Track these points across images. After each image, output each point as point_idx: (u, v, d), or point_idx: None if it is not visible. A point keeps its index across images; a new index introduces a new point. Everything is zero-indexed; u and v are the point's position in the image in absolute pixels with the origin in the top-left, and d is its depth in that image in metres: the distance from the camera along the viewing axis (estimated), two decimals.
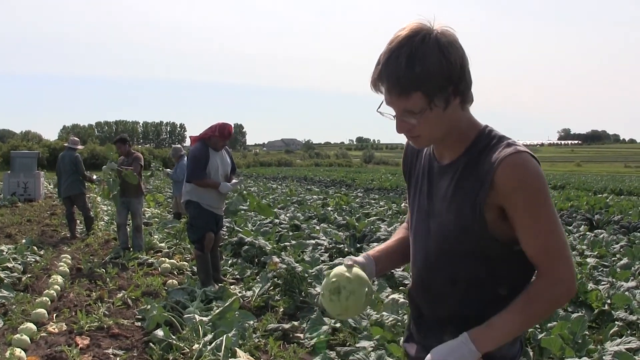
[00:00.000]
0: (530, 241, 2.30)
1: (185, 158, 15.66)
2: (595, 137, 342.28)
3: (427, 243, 2.56)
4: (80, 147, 15.60)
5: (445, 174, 2.49)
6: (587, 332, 6.37)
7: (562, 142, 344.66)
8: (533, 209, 2.27)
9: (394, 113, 2.35)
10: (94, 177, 15.41)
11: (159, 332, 6.68)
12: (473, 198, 2.34)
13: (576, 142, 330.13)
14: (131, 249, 12.54)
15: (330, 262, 10.00)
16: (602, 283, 9.16)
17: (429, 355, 2.33)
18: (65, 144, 15.75)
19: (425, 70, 2.18)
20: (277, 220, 16.09)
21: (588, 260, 10.97)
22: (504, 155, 2.27)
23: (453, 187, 2.43)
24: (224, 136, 9.18)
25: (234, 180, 9.70)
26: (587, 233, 15.82)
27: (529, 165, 2.26)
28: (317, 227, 14.94)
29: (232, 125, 9.38)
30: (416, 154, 2.74)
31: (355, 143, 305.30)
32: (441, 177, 2.52)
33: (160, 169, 16.70)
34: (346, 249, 12.38)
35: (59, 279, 9.75)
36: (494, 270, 2.42)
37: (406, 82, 2.20)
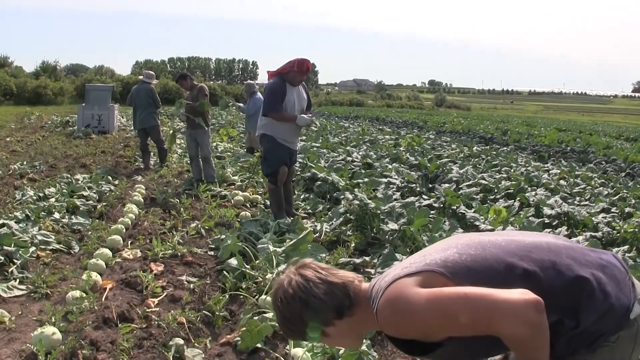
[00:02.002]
0: (466, 332, 2.39)
1: (259, 94, 15.69)
2: None
3: None
4: (155, 81, 15.71)
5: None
6: None
7: (637, 94, 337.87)
8: (436, 326, 2.41)
9: None
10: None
11: (233, 261, 6.70)
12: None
13: None
14: (204, 180, 12.60)
15: (403, 200, 9.91)
16: None
17: None
18: (140, 77, 15.85)
19: (286, 319, 2.77)
20: (349, 158, 16.06)
21: None
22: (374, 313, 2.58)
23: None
24: (302, 71, 9.11)
25: (309, 114, 9.65)
26: None
27: (386, 314, 2.51)
28: (390, 167, 14.85)
29: (310, 61, 9.31)
30: None
31: (427, 86, 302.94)
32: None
33: (231, 103, 16.75)
34: (418, 189, 12.31)
35: (134, 207, 9.88)
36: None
37: (289, 333, 2.87)
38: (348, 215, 9.24)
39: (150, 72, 15.93)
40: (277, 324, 4.70)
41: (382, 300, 2.51)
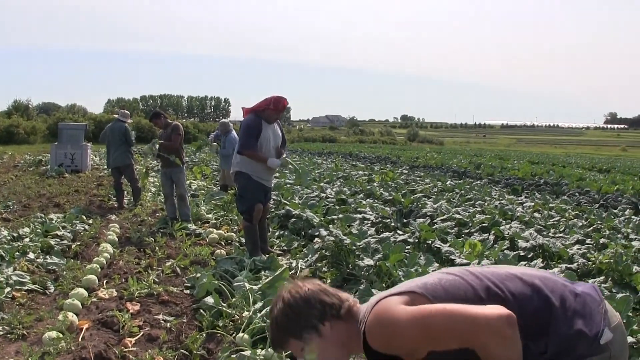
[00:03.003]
0: (445, 347, 2.53)
1: (233, 132, 15.79)
2: None
3: None
4: (130, 120, 15.74)
5: None
6: (631, 313, 6.31)
7: (608, 126, 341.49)
8: (418, 340, 2.55)
9: None
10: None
11: (209, 300, 6.70)
12: None
13: (623, 126, 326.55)
14: (178, 219, 12.59)
15: (378, 236, 9.95)
16: None
17: None
18: (115, 116, 15.90)
19: (283, 327, 2.94)
20: (323, 195, 16.11)
21: (633, 243, 10.86)
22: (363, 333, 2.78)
23: None
24: (279, 109, 9.19)
25: (283, 155, 9.69)
26: (633, 217, 15.67)
27: (378, 329, 2.69)
28: (364, 202, 14.90)
29: (287, 100, 9.37)
30: None
31: (399, 121, 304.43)
32: None
33: (208, 145, 16.80)
34: (392, 224, 12.37)
35: (109, 247, 9.85)
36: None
37: (275, 342, 3.07)
38: (323, 251, 9.27)
39: (126, 111, 15.96)
40: None
41: (370, 316, 2.72)
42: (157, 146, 12.41)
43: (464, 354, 2.52)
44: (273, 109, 9.10)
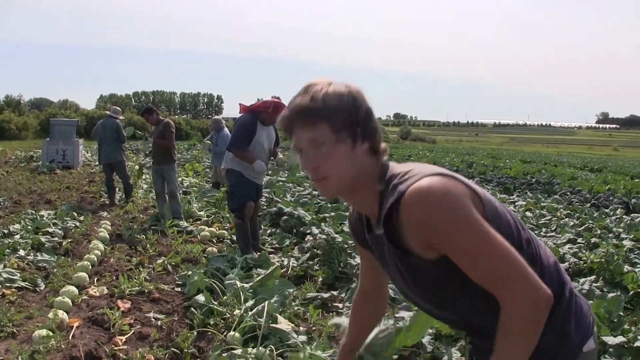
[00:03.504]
0: (469, 269, 2.15)
1: (226, 129, 15.76)
2: (634, 122, 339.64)
3: (417, 299, 2.53)
4: (121, 117, 15.69)
5: (376, 241, 2.46)
6: (622, 313, 6.30)
7: (600, 125, 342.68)
8: (456, 236, 2.11)
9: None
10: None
11: (200, 297, 6.69)
12: (403, 247, 2.27)
13: (614, 126, 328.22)
14: (170, 216, 12.54)
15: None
16: (638, 266, 9.24)
17: None
18: (107, 112, 15.84)
19: (330, 103, 2.24)
20: (315, 192, 16.09)
21: (624, 242, 10.97)
22: (401, 193, 2.18)
23: (387, 249, 2.38)
24: (276, 115, 9.17)
25: (279, 156, 9.72)
26: (624, 216, 15.79)
27: (426, 196, 2.12)
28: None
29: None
30: (360, 224, 2.67)
31: (392, 119, 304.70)
32: (377, 244, 2.49)
33: (200, 142, 16.83)
34: None
35: (99, 244, 9.83)
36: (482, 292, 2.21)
37: (310, 112, 2.25)
38: (315, 250, 9.26)
39: (117, 107, 15.92)
40: None
41: (427, 179, 2.16)
42: (150, 144, 12.41)
43: (471, 295, 2.27)
44: (271, 113, 9.04)
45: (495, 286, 2.13)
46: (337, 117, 2.24)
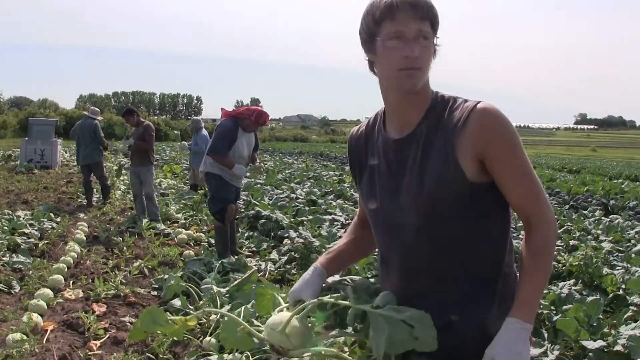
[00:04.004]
0: (514, 186, 2.35)
1: (204, 130, 15.76)
2: (612, 123, 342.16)
3: (403, 220, 2.52)
4: (100, 117, 15.62)
5: (408, 145, 2.51)
6: (601, 316, 6.33)
7: (578, 126, 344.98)
8: (513, 152, 2.34)
9: (399, 41, 2.38)
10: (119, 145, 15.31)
11: (176, 302, 6.68)
12: (445, 153, 2.36)
13: (592, 127, 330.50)
14: (147, 218, 12.50)
15: None
16: (617, 268, 9.17)
17: (491, 356, 2.23)
18: (85, 113, 15.79)
19: (436, 12, 2.42)
20: (293, 195, 16.13)
21: (603, 244, 10.95)
22: (473, 104, 2.37)
23: (421, 152, 2.45)
24: (258, 123, 9.24)
25: (257, 162, 9.78)
26: (603, 218, 15.81)
27: (500, 112, 2.37)
28: (334, 203, 14.94)
29: (269, 116, 9.42)
30: (363, 139, 2.77)
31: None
32: (402, 149, 2.53)
33: (178, 142, 16.84)
34: None
35: (76, 246, 9.78)
36: (479, 230, 2.44)
37: (428, 7, 2.38)
38: (293, 253, 9.25)
39: (96, 108, 15.86)
40: None
41: (479, 101, 2.42)
42: (129, 145, 12.41)
43: (466, 226, 2.43)
44: (254, 121, 9.10)
45: (532, 204, 2.37)
46: (436, 24, 2.43)
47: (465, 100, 2.43)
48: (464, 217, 2.41)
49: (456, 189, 2.36)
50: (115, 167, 13.38)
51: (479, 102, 2.37)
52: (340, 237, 9.76)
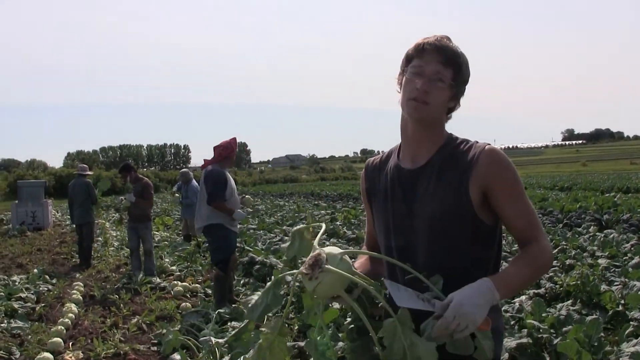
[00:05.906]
0: (516, 219, 2.68)
1: (194, 181, 15.86)
2: (600, 136, 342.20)
3: (414, 242, 2.78)
4: (90, 172, 15.67)
5: (422, 174, 2.79)
6: (602, 335, 6.36)
7: (567, 142, 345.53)
8: (515, 190, 2.68)
9: (418, 78, 2.70)
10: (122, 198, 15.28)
11: (176, 357, 6.69)
12: (458, 183, 2.67)
13: (580, 142, 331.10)
14: (142, 274, 12.50)
15: None
16: (615, 284, 9.19)
17: (451, 298, 2.34)
18: (75, 172, 15.85)
19: (463, 61, 2.75)
20: (286, 238, 16.11)
21: (599, 261, 10.98)
22: (483, 146, 2.70)
23: (434, 181, 2.73)
24: (235, 153, 9.41)
25: (246, 196, 9.85)
26: (597, 233, 15.86)
27: (504, 156, 2.69)
28: (327, 243, 14.94)
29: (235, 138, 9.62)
30: (378, 170, 3.06)
31: (359, 155, 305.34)
32: (417, 178, 2.81)
33: (174, 193, 16.88)
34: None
35: (73, 307, 9.79)
36: (478, 252, 2.74)
37: (453, 55, 2.71)
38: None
39: (84, 165, 16.00)
40: None
41: (488, 144, 2.74)
42: (131, 202, 12.48)
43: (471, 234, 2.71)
44: (232, 152, 9.36)
45: (531, 229, 2.68)
46: (460, 74, 2.73)
47: (477, 142, 2.77)
48: (466, 241, 2.70)
49: (462, 216, 2.66)
50: (106, 224, 13.34)
51: (488, 144, 2.72)
52: None
